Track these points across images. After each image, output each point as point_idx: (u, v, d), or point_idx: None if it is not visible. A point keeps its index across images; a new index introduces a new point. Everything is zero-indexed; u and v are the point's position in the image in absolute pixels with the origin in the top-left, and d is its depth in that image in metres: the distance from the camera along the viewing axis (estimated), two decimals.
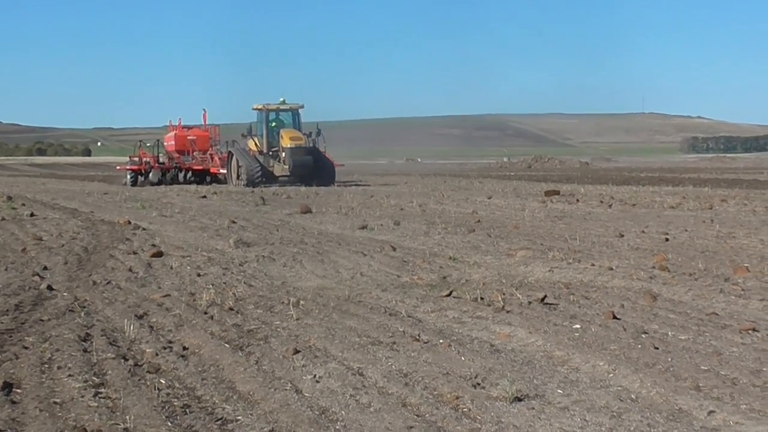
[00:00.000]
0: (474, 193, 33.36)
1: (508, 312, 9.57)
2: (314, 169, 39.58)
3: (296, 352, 7.89)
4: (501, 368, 7.32)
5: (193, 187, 39.27)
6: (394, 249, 15.21)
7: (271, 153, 40.30)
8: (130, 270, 12.95)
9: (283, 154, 39.48)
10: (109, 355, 7.80)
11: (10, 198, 29.46)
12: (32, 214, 22.03)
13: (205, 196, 30.46)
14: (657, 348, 7.95)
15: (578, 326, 8.84)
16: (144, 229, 18.69)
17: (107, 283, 11.86)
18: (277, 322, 9.28)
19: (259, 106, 40.76)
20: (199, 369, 7.51)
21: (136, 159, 45.31)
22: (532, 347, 8.11)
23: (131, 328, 8.75)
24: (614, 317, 9.22)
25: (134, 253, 14.79)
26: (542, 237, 17.01)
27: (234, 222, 19.98)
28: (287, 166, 39.36)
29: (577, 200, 27.70)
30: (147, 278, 12.29)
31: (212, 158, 44.09)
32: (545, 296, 10.24)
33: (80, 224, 19.80)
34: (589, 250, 14.90)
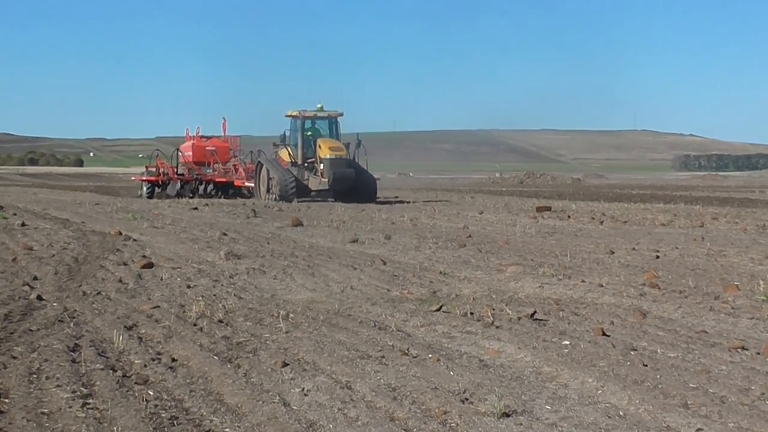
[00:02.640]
0: (465, 208, 33.38)
1: (497, 327, 9.57)
2: (355, 183, 36.61)
3: (285, 365, 7.88)
4: (489, 383, 7.32)
5: (185, 199, 38.51)
6: (385, 263, 15.21)
7: (306, 165, 37.35)
8: (120, 281, 12.92)
9: (321, 165, 36.39)
10: (97, 365, 7.77)
11: (1, 207, 29.39)
12: (23, 224, 21.97)
13: (196, 208, 30.43)
14: (646, 365, 7.95)
15: (567, 342, 8.84)
16: (135, 240, 18.66)
17: (97, 293, 11.83)
18: (267, 335, 9.26)
19: (294, 113, 37.85)
20: (188, 381, 7.49)
21: (154, 169, 42.98)
22: (521, 363, 8.11)
23: (120, 339, 8.73)
24: (604, 334, 9.23)
25: (124, 264, 14.76)
26: (533, 253, 17.02)
27: (225, 234, 19.97)
28: (326, 179, 36.09)
29: (569, 216, 27.74)
30: (137, 289, 12.26)
31: (236, 169, 41.53)
32: (535, 312, 10.25)
33: (71, 234, 19.75)
34: (580, 266, 14.91)
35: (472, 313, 10.34)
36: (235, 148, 43.60)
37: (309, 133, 37.92)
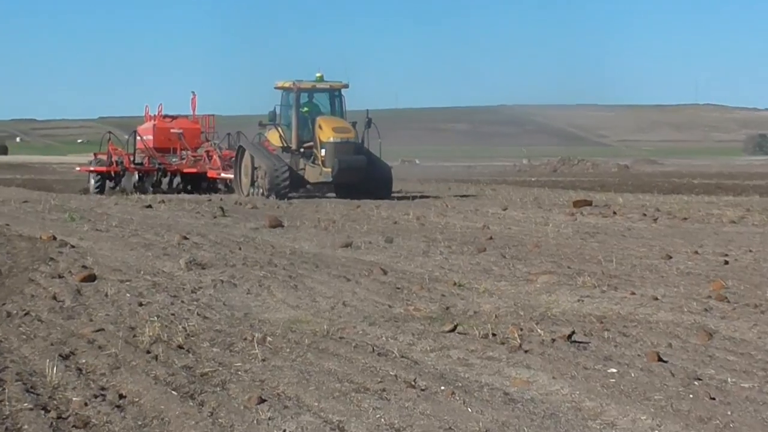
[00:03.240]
0: (485, 203, 33.42)
1: (526, 352, 9.56)
2: (365, 174, 35.27)
3: (261, 401, 7.86)
4: (517, 422, 7.31)
5: (135, 195, 37.99)
6: (385, 272, 15.21)
7: (302, 150, 36.15)
8: (55, 298, 12.90)
9: (322, 151, 35.05)
10: (25, 405, 7.75)
11: None
12: None
13: (150, 206, 30.46)
14: (713, 398, 7.93)
15: (614, 370, 8.83)
16: (73, 246, 18.66)
17: (25, 314, 11.81)
18: (238, 364, 9.25)
19: (287, 84, 36.58)
20: (139, 423, 7.47)
21: (104, 158, 42.12)
22: (557, 396, 8.09)
23: (54, 370, 8.70)
24: (659, 359, 9.21)
25: (60, 276, 14.75)
26: (570, 258, 17.03)
27: (186, 238, 19.97)
28: (328, 169, 34.80)
29: (614, 213, 27.76)
30: (75, 308, 12.24)
31: (209, 157, 40.96)
32: (573, 332, 10.24)
33: None
34: (629, 275, 14.91)
35: (494, 335, 10.33)
36: (207, 129, 43.07)
37: (306, 109, 36.68)
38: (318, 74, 36.99)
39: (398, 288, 13.84)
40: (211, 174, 40.47)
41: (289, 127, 36.36)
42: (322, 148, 35.21)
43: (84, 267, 15.62)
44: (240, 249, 18.47)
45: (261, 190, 35.33)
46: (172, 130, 41.96)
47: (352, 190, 34.95)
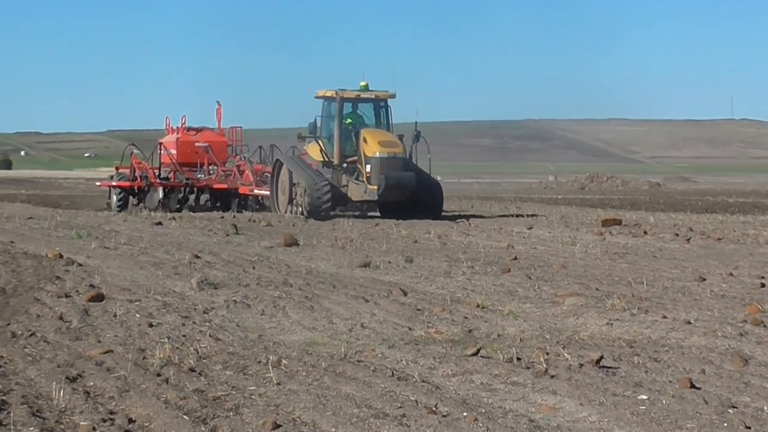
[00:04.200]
0: (510, 221, 33.34)
1: (552, 377, 9.56)
2: (414, 192, 33.82)
3: (276, 426, 7.88)
4: None
5: (145, 212, 37.18)
6: (405, 293, 15.21)
7: (345, 165, 34.65)
8: (61, 318, 12.95)
9: (368, 167, 33.47)
10: (31, 429, 7.79)
11: None
12: None
13: (160, 223, 30.50)
14: (748, 427, 7.93)
15: (645, 397, 8.82)
16: (80, 264, 18.71)
17: (30, 334, 11.86)
18: (252, 388, 9.27)
19: (329, 93, 34.93)
20: None
21: (127, 172, 40.61)
22: (584, 424, 8.09)
23: (61, 393, 8.74)
24: (692, 386, 9.20)
25: (67, 295, 14.80)
26: (598, 280, 17.00)
27: (197, 257, 20.01)
28: (374, 187, 33.24)
29: (645, 232, 27.69)
30: (83, 329, 12.29)
31: (241, 172, 39.65)
32: (601, 357, 10.22)
33: None
34: (660, 297, 14.88)
35: (519, 359, 10.33)
36: (234, 142, 42.10)
37: (349, 120, 35.24)
38: (362, 83, 35.48)
39: (419, 309, 13.84)
40: (243, 190, 39.29)
41: (330, 140, 34.86)
42: (367, 163, 33.63)
43: (91, 286, 15.66)
44: (254, 268, 18.49)
45: (300, 209, 34.07)
46: (196, 144, 40.90)
47: (398, 209, 33.61)
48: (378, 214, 35.12)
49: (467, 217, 35.40)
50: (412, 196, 33.69)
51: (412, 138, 34.70)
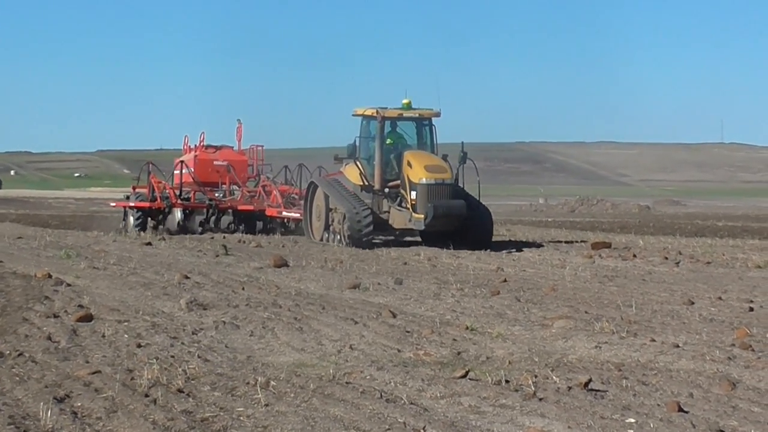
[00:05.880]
0: (499, 243, 33.36)
1: (541, 400, 9.56)
2: (464, 220, 30.67)
3: None
4: None
5: (134, 232, 36.88)
6: (395, 315, 15.23)
7: (387, 190, 31.65)
8: (49, 338, 12.94)
9: (413, 194, 30.48)
10: None
11: None
12: None
13: (150, 243, 30.49)
14: None
15: (633, 420, 8.83)
16: (69, 284, 18.70)
17: (18, 354, 11.84)
18: (240, 409, 9.26)
19: (369, 112, 32.07)
20: None
21: (145, 191, 38.45)
22: None
23: (48, 414, 8.73)
24: (680, 410, 9.21)
25: (55, 316, 14.79)
26: (587, 303, 17.02)
27: (187, 277, 20.01)
28: (421, 216, 30.16)
29: (634, 255, 27.73)
30: (71, 349, 12.27)
31: (268, 193, 38.03)
32: (590, 380, 10.24)
33: None
34: (649, 321, 14.90)
35: (507, 381, 10.33)
36: (255, 162, 40.79)
37: (390, 140, 32.51)
38: (405, 100, 32.56)
39: (408, 331, 13.84)
40: (270, 212, 37.49)
41: (369, 163, 32.03)
42: (412, 189, 30.58)
43: (80, 306, 15.65)
44: (243, 289, 18.49)
45: (338, 236, 31.69)
46: (215, 162, 39.42)
47: (444, 238, 30.31)
48: (417, 239, 32.70)
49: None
50: (462, 224, 30.71)
51: (458, 159, 31.72)
